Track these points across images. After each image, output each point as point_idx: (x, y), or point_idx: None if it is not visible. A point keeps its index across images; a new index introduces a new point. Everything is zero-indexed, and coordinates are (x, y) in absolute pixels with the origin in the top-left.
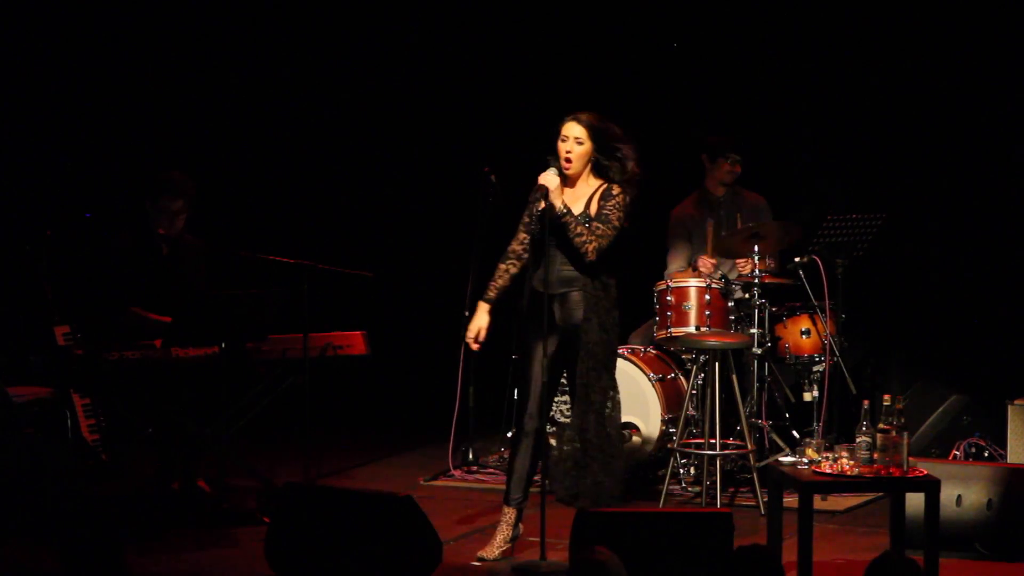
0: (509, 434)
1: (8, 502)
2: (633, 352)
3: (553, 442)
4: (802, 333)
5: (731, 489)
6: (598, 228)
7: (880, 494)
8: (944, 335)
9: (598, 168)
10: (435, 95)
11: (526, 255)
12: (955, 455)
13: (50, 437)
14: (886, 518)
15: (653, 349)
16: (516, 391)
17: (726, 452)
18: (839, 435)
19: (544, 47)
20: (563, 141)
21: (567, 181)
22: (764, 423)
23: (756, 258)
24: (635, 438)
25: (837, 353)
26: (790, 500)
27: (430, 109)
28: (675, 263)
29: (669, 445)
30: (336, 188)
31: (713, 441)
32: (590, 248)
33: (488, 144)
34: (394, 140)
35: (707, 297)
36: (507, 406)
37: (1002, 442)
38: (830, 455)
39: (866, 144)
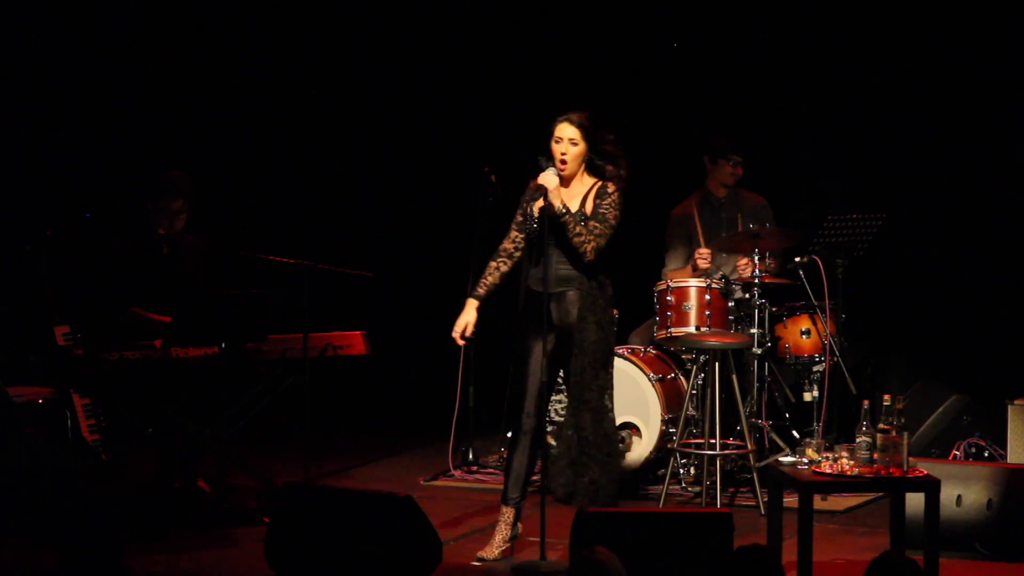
0: (509, 434)
1: (8, 502)
2: (633, 352)
3: (551, 441)
4: (802, 333)
5: (731, 489)
6: (596, 227)
7: (880, 494)
8: (944, 335)
9: (591, 166)
10: (435, 95)
11: (518, 254)
12: (955, 455)
13: (50, 437)
14: (886, 518)
15: (653, 349)
16: (512, 390)
17: (726, 452)
18: (839, 435)
19: (544, 47)
20: (557, 143)
21: (562, 181)
22: (764, 423)
23: (756, 258)
24: (635, 438)
25: (837, 353)
26: (790, 500)
27: (430, 109)
28: (673, 262)
29: (669, 445)
30: (336, 188)
31: (713, 441)
32: (589, 248)
33: (488, 144)
34: (394, 140)
35: (707, 297)
36: (507, 406)
37: (1002, 442)
38: (830, 455)
39: (866, 144)
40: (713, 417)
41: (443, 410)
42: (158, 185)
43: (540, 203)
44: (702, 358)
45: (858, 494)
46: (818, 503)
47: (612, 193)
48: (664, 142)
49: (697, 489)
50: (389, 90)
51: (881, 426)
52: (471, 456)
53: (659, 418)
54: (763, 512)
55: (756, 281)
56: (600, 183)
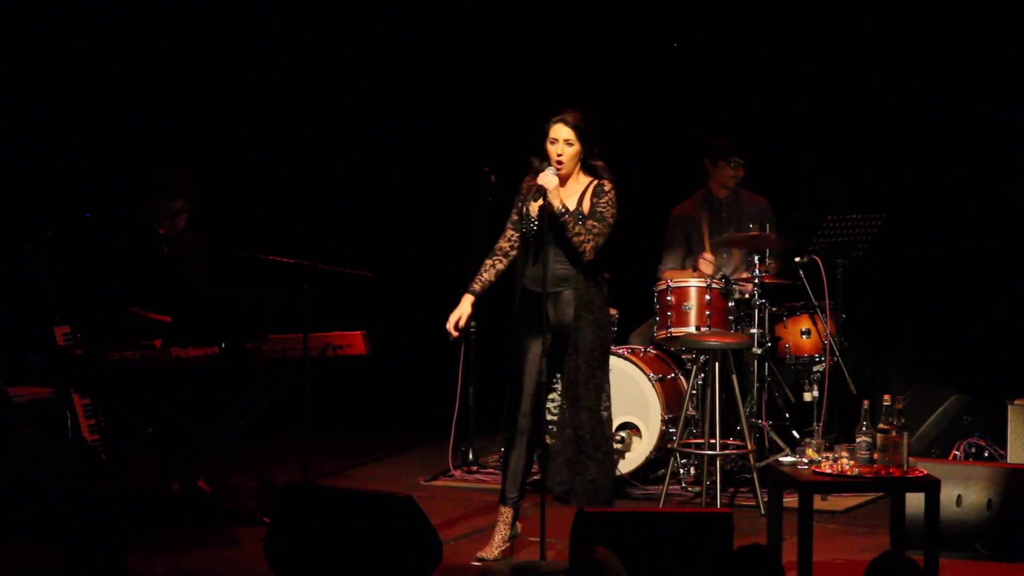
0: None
1: (8, 502)
2: (633, 352)
3: (549, 440)
4: (802, 333)
5: (731, 489)
6: (595, 227)
7: (880, 494)
8: (944, 335)
9: (585, 165)
10: (435, 95)
11: (513, 252)
12: (955, 455)
13: (50, 437)
14: (886, 518)
15: (653, 349)
16: (508, 390)
17: (726, 452)
18: (839, 435)
19: (544, 47)
20: (552, 144)
21: (559, 181)
22: (764, 423)
23: (756, 259)
24: (635, 438)
25: (837, 353)
26: (790, 500)
27: (430, 109)
28: (670, 261)
29: (669, 445)
30: (336, 188)
31: (713, 441)
32: (589, 247)
33: (488, 144)
34: (394, 140)
35: (707, 297)
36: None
37: (1002, 442)
38: (830, 455)
39: (866, 144)
40: (713, 417)
41: (443, 410)
42: (159, 185)
43: (538, 203)
44: (702, 358)
45: (858, 494)
46: (818, 503)
47: (609, 191)
48: (665, 142)
49: (697, 489)
50: (389, 90)
51: (881, 426)
52: (471, 456)
53: (659, 418)
54: (763, 512)
55: (756, 281)
56: (596, 182)
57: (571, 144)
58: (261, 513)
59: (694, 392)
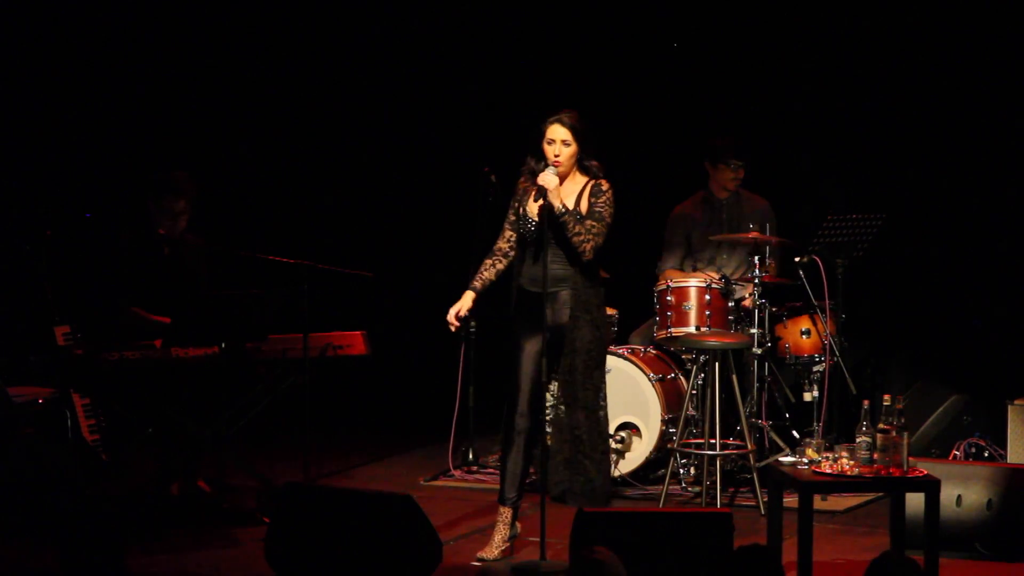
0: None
1: (8, 502)
2: (633, 352)
3: (549, 440)
4: (802, 333)
5: (731, 489)
6: (594, 226)
7: (880, 494)
8: (944, 335)
9: (580, 165)
10: (435, 95)
11: (512, 252)
12: (955, 455)
13: (50, 437)
14: (886, 518)
15: (653, 349)
16: (507, 390)
17: (726, 452)
18: (839, 435)
19: (545, 47)
20: (550, 144)
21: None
22: (764, 423)
23: (756, 259)
24: (635, 438)
25: (837, 353)
26: (790, 500)
27: (429, 109)
28: (669, 260)
29: (669, 445)
30: (336, 188)
31: (713, 441)
32: (588, 247)
33: (488, 144)
34: (394, 140)
35: (707, 297)
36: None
37: (1002, 442)
38: (830, 455)
39: (866, 144)
40: (713, 417)
41: (443, 410)
42: (160, 185)
43: (538, 203)
44: (702, 358)
45: (858, 494)
46: (818, 503)
47: (607, 191)
48: (665, 142)
49: (697, 489)
50: (389, 90)
51: (881, 426)
52: (471, 456)
53: (659, 418)
54: (763, 512)
55: (756, 281)
56: (594, 182)
57: (568, 144)
58: (261, 513)
59: (694, 392)
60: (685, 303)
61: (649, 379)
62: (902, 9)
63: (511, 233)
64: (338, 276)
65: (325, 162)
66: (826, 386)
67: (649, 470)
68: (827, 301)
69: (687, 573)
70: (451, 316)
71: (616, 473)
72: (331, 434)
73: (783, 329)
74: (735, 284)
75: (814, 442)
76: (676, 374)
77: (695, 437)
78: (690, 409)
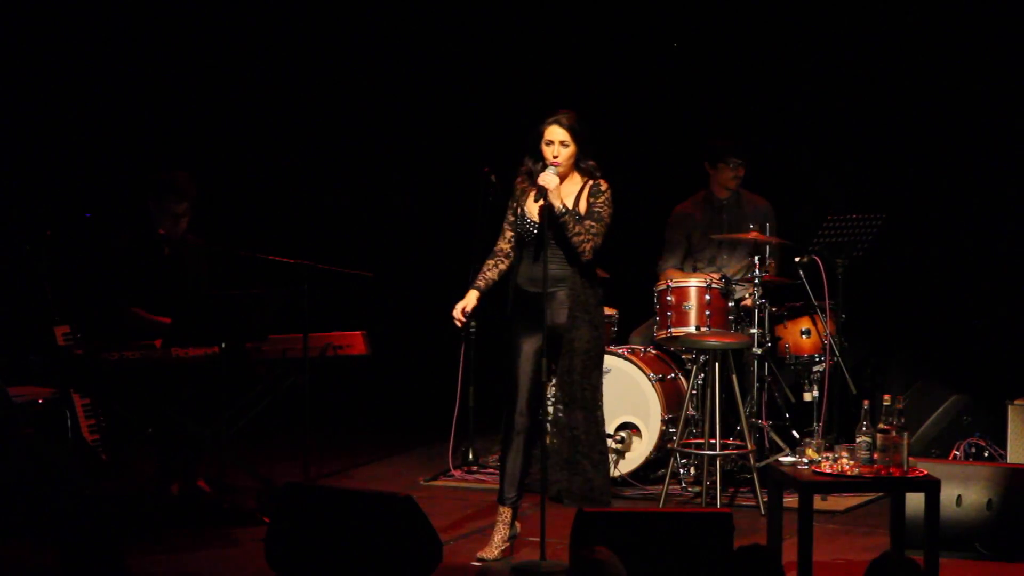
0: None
1: (8, 502)
2: (633, 352)
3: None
4: (802, 333)
5: (731, 489)
6: (593, 227)
7: (880, 494)
8: (944, 335)
9: (579, 165)
10: (434, 95)
11: (513, 253)
12: (955, 455)
13: (50, 437)
14: (886, 518)
15: (653, 349)
16: (504, 390)
17: (726, 452)
18: (839, 435)
19: (545, 47)
20: (548, 145)
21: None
22: (764, 423)
23: (756, 259)
24: (635, 438)
25: (837, 353)
26: (790, 500)
27: (429, 109)
28: (670, 260)
29: (669, 445)
30: (336, 188)
31: (713, 441)
32: (588, 247)
33: (488, 144)
34: (394, 140)
35: (707, 297)
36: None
37: (1002, 442)
38: (830, 455)
39: (866, 144)
40: (713, 417)
41: (443, 410)
42: (163, 187)
43: (537, 203)
44: (702, 358)
45: (858, 494)
46: (818, 503)
47: (605, 191)
48: (665, 142)
49: (697, 489)
50: (389, 90)
51: (881, 426)
52: (471, 456)
53: (659, 418)
54: (763, 512)
55: (756, 281)
56: (592, 182)
57: (567, 145)
58: (261, 513)
59: (694, 392)
60: (685, 303)
61: (649, 379)
62: (902, 9)
63: (511, 233)
64: (338, 276)
65: (325, 162)
66: (826, 386)
67: (649, 470)
68: (827, 301)
69: (687, 573)
70: (457, 312)
71: (616, 473)
72: (331, 434)
73: (783, 329)
74: (735, 284)
75: (814, 442)
76: (676, 374)
77: (695, 437)
78: (690, 409)
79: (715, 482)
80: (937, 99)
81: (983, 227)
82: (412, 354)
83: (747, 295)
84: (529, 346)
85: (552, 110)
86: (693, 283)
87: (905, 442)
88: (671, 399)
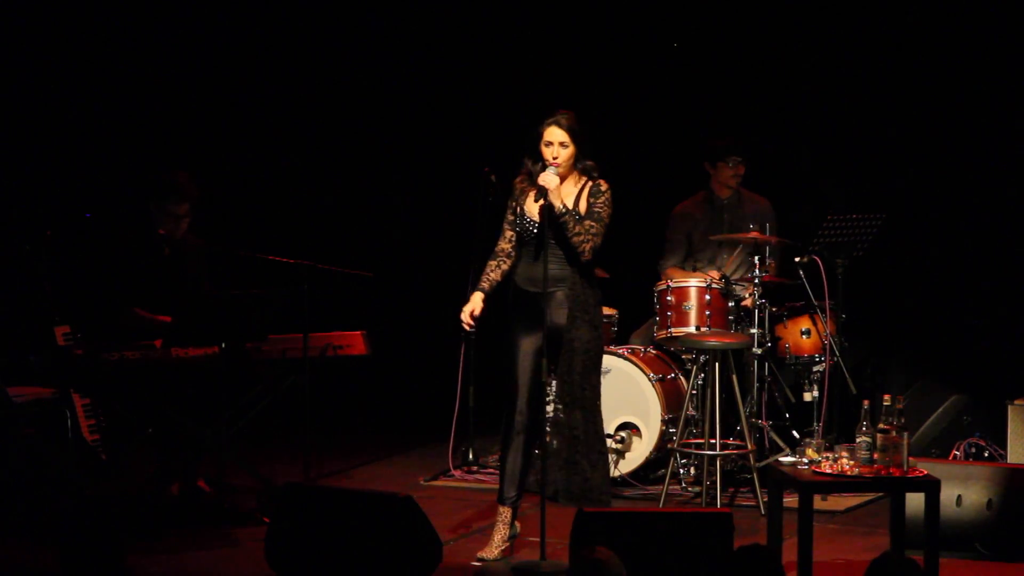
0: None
1: (8, 502)
2: (633, 352)
3: (548, 440)
4: (802, 333)
5: (731, 489)
6: (592, 227)
7: (880, 494)
8: (944, 335)
9: (578, 165)
10: (434, 95)
11: (515, 253)
12: (955, 455)
13: (50, 437)
14: (886, 518)
15: (653, 349)
16: (504, 390)
17: (726, 452)
18: (839, 435)
19: (545, 47)
20: (548, 146)
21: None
22: (764, 423)
23: (756, 259)
24: (635, 438)
25: (837, 353)
26: (790, 500)
27: (429, 109)
28: (671, 259)
29: (669, 445)
30: (336, 188)
31: (713, 441)
32: (587, 247)
33: (488, 144)
34: (394, 140)
35: (707, 297)
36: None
37: (1002, 442)
38: (830, 455)
39: (866, 144)
40: (713, 417)
41: (443, 410)
42: (165, 188)
43: (537, 203)
44: (702, 358)
45: (858, 494)
46: (818, 503)
47: (606, 191)
48: (665, 142)
49: (697, 489)
50: (389, 90)
51: (881, 426)
52: (471, 456)
53: (659, 418)
54: (763, 512)
55: (756, 281)
56: (592, 182)
57: (566, 146)
58: (261, 513)
59: (694, 392)
60: (685, 303)
61: (649, 379)
62: (902, 9)
63: (511, 233)
64: (338, 276)
65: (325, 162)
66: (826, 386)
67: (649, 470)
68: (827, 301)
69: (687, 573)
70: (466, 316)
71: (616, 473)
72: (331, 434)
73: (783, 329)
74: (735, 284)
75: (814, 442)
76: (676, 374)
77: (695, 437)
78: (690, 409)
79: (715, 482)
80: (937, 99)
81: (983, 227)
82: (412, 354)
83: (747, 295)
84: (529, 346)
85: (551, 111)
86: (693, 283)
87: (905, 442)
88: (671, 399)
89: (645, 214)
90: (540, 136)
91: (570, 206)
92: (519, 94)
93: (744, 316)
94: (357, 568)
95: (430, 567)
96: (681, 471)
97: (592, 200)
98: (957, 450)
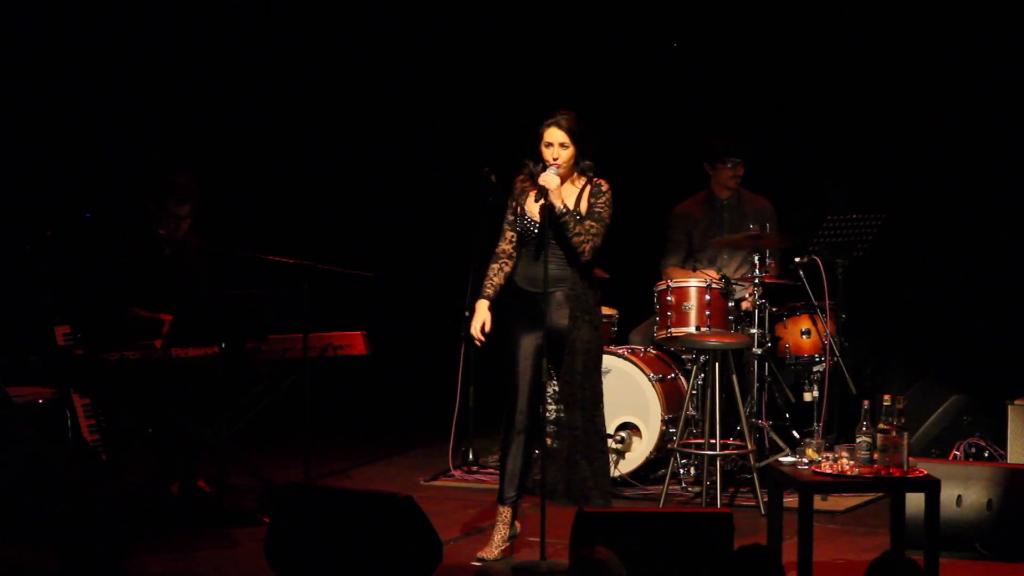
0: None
1: (8, 502)
2: (633, 352)
3: (548, 440)
4: (802, 333)
5: (731, 489)
6: (593, 227)
7: (880, 494)
8: (944, 335)
9: (578, 166)
10: (435, 95)
11: (516, 254)
12: (955, 455)
13: (50, 437)
14: (886, 518)
15: (653, 349)
16: (504, 390)
17: (726, 452)
18: (839, 435)
19: (544, 47)
20: (548, 147)
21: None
22: (764, 423)
23: (756, 259)
24: (635, 438)
25: (837, 353)
26: (790, 500)
27: (429, 109)
28: (671, 258)
29: (669, 445)
30: (336, 188)
31: (713, 441)
32: (587, 248)
33: (488, 144)
34: (394, 140)
35: (707, 297)
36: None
37: (1002, 442)
38: (830, 455)
39: (866, 144)
40: (713, 417)
41: (443, 410)
42: (166, 188)
43: (538, 203)
44: (702, 358)
45: (858, 494)
46: (818, 503)
47: (606, 192)
48: (665, 142)
49: (697, 489)
50: (389, 90)
51: (881, 426)
52: (471, 456)
53: (659, 418)
54: (763, 512)
55: (756, 281)
56: (593, 182)
57: (566, 147)
58: (261, 513)
59: (694, 392)
60: (685, 303)
61: (649, 379)
62: (902, 9)
63: (512, 233)
64: (338, 276)
65: (325, 162)
66: (826, 386)
67: (649, 470)
68: (827, 301)
69: (687, 573)
70: (476, 331)
71: (616, 473)
72: (331, 434)
73: (783, 329)
74: (735, 284)
75: (814, 442)
76: (676, 374)
77: (695, 437)
78: (690, 409)
79: (715, 482)
80: (937, 99)
81: (983, 227)
82: (412, 354)
83: (747, 295)
84: (528, 346)
85: (551, 111)
86: (693, 283)
87: (905, 442)
88: (671, 399)
89: (645, 214)
90: (540, 137)
91: (571, 206)
92: (519, 94)
93: (744, 316)
94: (357, 568)
95: (430, 567)
96: (681, 471)
97: (593, 200)
98: (957, 450)
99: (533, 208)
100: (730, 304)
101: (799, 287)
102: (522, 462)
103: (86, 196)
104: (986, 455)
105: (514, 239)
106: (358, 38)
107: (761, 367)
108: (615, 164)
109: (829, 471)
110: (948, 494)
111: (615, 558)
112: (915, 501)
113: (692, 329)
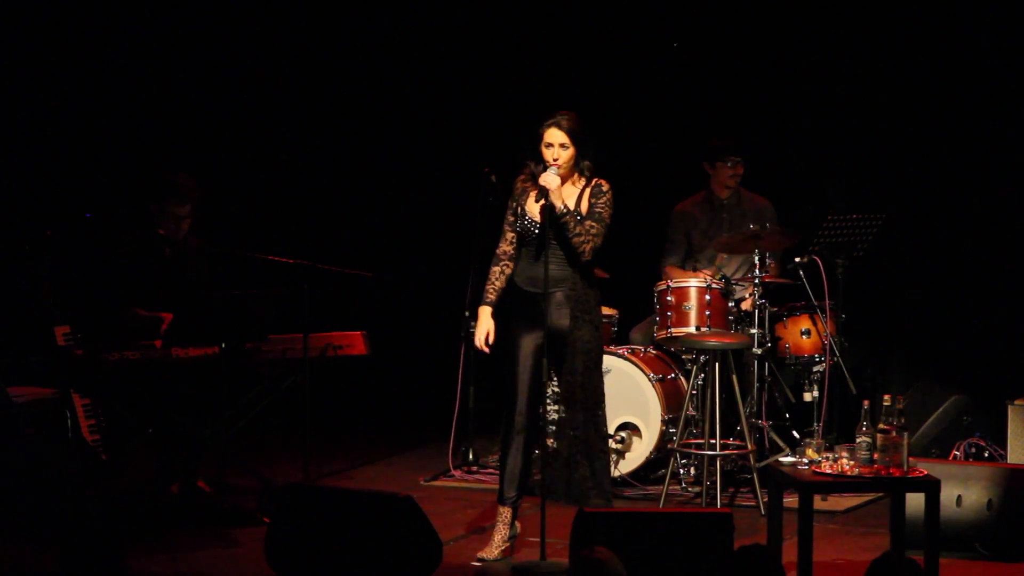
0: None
1: (8, 502)
2: (633, 352)
3: (549, 440)
4: (802, 333)
5: (731, 489)
6: (593, 227)
7: (880, 494)
8: (944, 335)
9: (579, 166)
10: (434, 95)
11: (516, 254)
12: (955, 455)
13: (50, 437)
14: (886, 518)
15: (653, 349)
16: (503, 390)
17: (726, 452)
18: (839, 435)
19: (544, 47)
20: (548, 148)
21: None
22: (764, 423)
23: (756, 258)
24: (635, 438)
25: (837, 353)
26: (790, 500)
27: (429, 109)
28: (671, 257)
29: (669, 445)
30: (336, 188)
31: (713, 441)
32: (587, 248)
33: (488, 144)
34: (394, 140)
35: (707, 297)
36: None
37: (1002, 442)
38: (830, 455)
39: (866, 144)
40: (713, 417)
41: (443, 410)
42: (167, 189)
43: (539, 203)
44: (702, 358)
45: (858, 494)
46: (818, 503)
47: (607, 192)
48: (665, 142)
49: (697, 489)
50: (389, 91)
51: (881, 426)
52: (471, 456)
53: (659, 418)
54: (763, 512)
55: (756, 281)
56: (594, 182)
57: (566, 147)
58: (261, 513)
59: (694, 392)
60: (685, 303)
61: (649, 379)
62: (902, 9)
63: (512, 234)
64: (338, 276)
65: (325, 162)
66: (826, 386)
67: (649, 470)
68: (827, 301)
69: (687, 573)
70: (480, 341)
71: (616, 473)
72: (331, 434)
73: (783, 329)
74: (735, 284)
75: (814, 442)
76: (676, 374)
77: (695, 437)
78: (690, 409)
79: (715, 482)
80: (937, 99)
81: (983, 227)
82: (412, 354)
83: (747, 295)
84: (528, 346)
85: (551, 112)
86: (693, 283)
87: (905, 442)
88: (671, 399)
89: (645, 214)
90: (540, 138)
91: (571, 207)
92: (519, 94)
93: (744, 316)
94: (357, 568)
95: (430, 567)
96: (681, 471)
97: (594, 200)
98: (957, 450)
99: (533, 208)
100: (730, 304)
101: (799, 287)
102: (522, 462)
103: (86, 196)
104: (986, 455)
105: (514, 240)
106: (358, 38)
107: (761, 367)
108: (615, 164)
109: (829, 471)
110: (948, 494)
111: (615, 558)
112: (915, 501)
113: (692, 329)
